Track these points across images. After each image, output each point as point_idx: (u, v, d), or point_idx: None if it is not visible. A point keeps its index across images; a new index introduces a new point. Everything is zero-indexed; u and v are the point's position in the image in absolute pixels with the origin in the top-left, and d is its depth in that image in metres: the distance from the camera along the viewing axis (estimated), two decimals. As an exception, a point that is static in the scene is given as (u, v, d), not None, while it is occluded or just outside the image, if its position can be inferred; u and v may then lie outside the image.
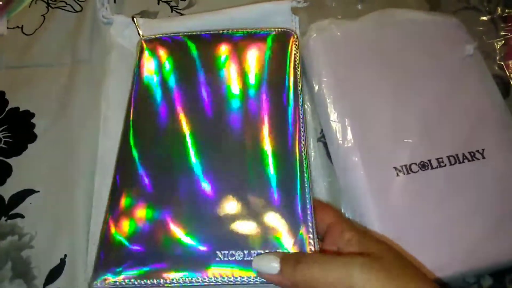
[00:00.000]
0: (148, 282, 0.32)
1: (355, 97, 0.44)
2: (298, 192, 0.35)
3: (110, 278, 0.32)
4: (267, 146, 0.37)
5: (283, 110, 0.39)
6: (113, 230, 0.35)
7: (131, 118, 0.40)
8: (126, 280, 0.32)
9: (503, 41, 0.54)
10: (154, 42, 0.45)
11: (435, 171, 0.41)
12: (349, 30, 0.47)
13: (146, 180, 0.37)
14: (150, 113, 0.40)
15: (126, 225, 0.35)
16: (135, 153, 0.38)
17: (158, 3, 0.55)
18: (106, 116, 0.44)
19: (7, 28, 0.51)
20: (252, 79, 0.42)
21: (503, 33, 0.54)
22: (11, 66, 0.49)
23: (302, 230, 0.33)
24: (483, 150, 0.42)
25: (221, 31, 0.45)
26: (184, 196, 0.35)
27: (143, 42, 0.45)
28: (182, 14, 0.54)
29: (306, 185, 0.35)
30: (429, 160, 0.41)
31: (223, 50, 0.44)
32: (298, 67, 0.42)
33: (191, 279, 0.32)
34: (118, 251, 0.33)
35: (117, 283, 0.32)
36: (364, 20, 0.48)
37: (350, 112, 0.43)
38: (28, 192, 0.42)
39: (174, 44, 0.45)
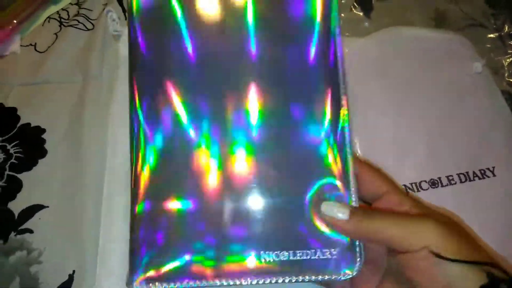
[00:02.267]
0: (189, 283, 0.30)
1: (363, 115, 0.44)
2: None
3: (148, 276, 0.31)
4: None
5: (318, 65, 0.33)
6: (146, 228, 0.32)
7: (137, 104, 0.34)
8: (166, 282, 0.30)
9: (511, 58, 0.54)
10: None
11: (445, 189, 0.41)
12: (356, 47, 0.48)
13: (176, 177, 0.33)
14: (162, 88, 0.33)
15: (159, 223, 0.32)
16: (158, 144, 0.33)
17: (168, 21, 0.55)
18: (114, 132, 0.45)
19: (21, 46, 0.52)
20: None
21: (511, 51, 0.54)
22: (23, 83, 0.50)
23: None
24: (493, 167, 0.42)
25: None
26: (221, 191, 0.32)
27: None
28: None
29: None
30: (439, 178, 0.41)
31: None
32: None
33: (234, 279, 0.30)
34: (154, 251, 0.31)
35: (158, 285, 0.31)
36: (371, 37, 0.49)
37: (358, 130, 0.43)
38: (38, 207, 0.42)
39: None
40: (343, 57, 0.32)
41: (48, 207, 0.42)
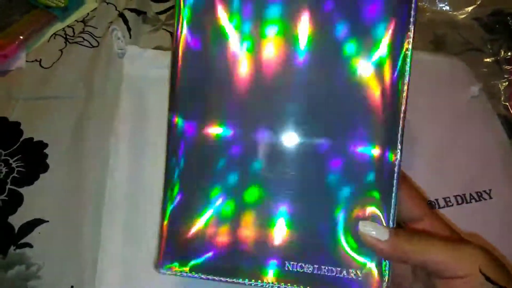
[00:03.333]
0: (215, 278, 0.30)
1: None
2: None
3: (176, 268, 0.31)
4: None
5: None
6: (178, 223, 0.32)
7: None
8: (192, 272, 0.30)
9: (507, 82, 0.55)
10: None
11: (442, 210, 0.41)
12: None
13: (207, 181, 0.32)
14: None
15: (190, 220, 0.31)
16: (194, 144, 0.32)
17: (172, 40, 0.57)
18: (115, 149, 0.45)
19: (26, 61, 0.53)
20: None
21: (507, 75, 0.56)
22: (28, 98, 0.51)
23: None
24: (490, 190, 0.43)
25: None
26: (252, 198, 0.31)
27: None
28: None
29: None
30: (436, 199, 0.41)
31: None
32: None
33: (257, 283, 0.30)
34: (185, 241, 0.31)
35: (184, 273, 0.31)
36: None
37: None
38: (38, 222, 0.43)
39: None
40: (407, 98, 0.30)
41: (48, 221, 0.43)
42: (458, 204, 0.42)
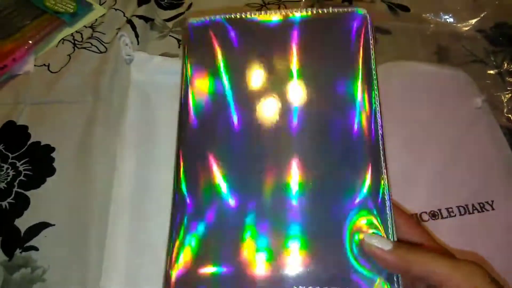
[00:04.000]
0: None
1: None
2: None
3: None
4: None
5: (353, 105, 0.33)
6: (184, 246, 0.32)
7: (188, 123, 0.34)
8: None
9: (510, 94, 0.55)
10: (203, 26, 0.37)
11: (445, 221, 0.41)
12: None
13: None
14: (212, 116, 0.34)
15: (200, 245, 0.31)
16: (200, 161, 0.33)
17: (179, 47, 0.57)
18: (122, 154, 0.46)
19: (34, 66, 0.54)
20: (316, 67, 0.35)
21: (510, 87, 0.56)
22: (36, 102, 0.51)
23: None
24: (492, 201, 0.43)
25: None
26: (260, 220, 0.31)
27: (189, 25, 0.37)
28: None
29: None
30: (439, 210, 0.42)
31: (285, 33, 0.36)
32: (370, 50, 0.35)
33: None
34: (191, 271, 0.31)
35: None
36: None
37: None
38: (44, 225, 0.43)
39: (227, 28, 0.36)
40: (383, 133, 0.33)
41: (54, 225, 0.43)
42: (460, 214, 0.42)
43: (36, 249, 0.42)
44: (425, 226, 0.35)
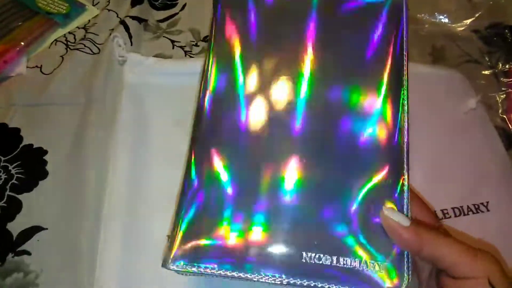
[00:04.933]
0: (227, 273, 0.30)
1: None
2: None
3: (185, 266, 0.31)
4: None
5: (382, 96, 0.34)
6: (192, 218, 0.32)
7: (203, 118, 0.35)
8: (204, 269, 0.30)
9: (504, 95, 0.56)
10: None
11: (440, 223, 0.41)
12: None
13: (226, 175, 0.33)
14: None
15: (204, 218, 0.32)
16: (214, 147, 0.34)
17: (173, 48, 0.57)
18: (115, 155, 0.45)
19: (27, 67, 0.53)
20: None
21: (504, 88, 0.56)
22: (28, 104, 0.51)
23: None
24: (487, 202, 0.43)
25: None
26: (268, 190, 0.32)
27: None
28: (194, 59, 0.56)
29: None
30: (434, 211, 0.42)
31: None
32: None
33: (272, 277, 0.30)
34: (194, 234, 0.31)
35: (194, 268, 0.30)
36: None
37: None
38: (36, 229, 0.43)
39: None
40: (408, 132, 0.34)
41: (47, 229, 0.43)
42: (455, 216, 0.42)
43: (28, 253, 0.41)
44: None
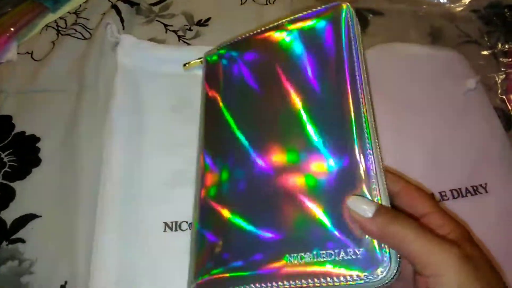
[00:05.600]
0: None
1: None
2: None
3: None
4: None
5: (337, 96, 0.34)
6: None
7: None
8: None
9: (504, 75, 0.55)
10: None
11: (438, 205, 0.41)
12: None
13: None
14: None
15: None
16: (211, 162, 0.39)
17: (166, 32, 0.56)
18: (109, 143, 0.45)
19: (17, 53, 0.52)
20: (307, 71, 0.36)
21: (504, 68, 0.55)
22: (19, 91, 0.50)
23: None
24: (486, 184, 0.42)
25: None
26: (254, 198, 0.34)
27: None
28: (189, 44, 0.55)
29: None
30: (432, 194, 0.41)
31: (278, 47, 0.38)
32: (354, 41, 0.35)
33: (262, 284, 0.30)
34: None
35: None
36: (367, 53, 0.49)
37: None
38: (31, 217, 0.42)
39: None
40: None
41: (41, 216, 0.42)
42: (453, 198, 0.41)
43: (23, 241, 0.41)
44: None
